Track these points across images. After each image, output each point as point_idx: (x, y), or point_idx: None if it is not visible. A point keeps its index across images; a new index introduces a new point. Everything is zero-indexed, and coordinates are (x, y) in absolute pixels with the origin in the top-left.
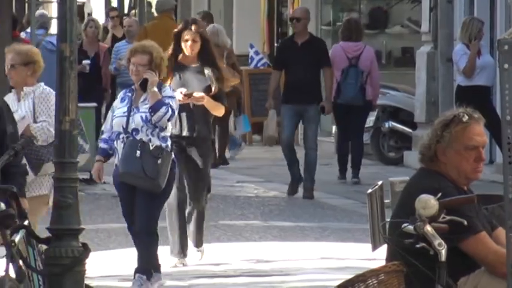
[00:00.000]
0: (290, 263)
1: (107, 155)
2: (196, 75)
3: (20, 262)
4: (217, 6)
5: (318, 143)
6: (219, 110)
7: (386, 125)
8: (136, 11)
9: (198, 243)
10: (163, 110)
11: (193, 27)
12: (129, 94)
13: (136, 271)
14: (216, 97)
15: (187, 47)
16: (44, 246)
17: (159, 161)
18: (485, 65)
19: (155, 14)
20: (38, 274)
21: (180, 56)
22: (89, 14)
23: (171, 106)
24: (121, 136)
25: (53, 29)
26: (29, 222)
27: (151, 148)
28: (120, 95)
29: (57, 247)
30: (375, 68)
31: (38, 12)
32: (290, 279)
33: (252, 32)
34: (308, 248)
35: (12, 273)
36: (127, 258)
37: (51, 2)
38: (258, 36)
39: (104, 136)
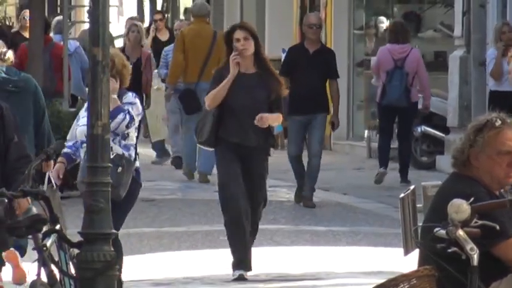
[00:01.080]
0: (321, 267)
1: (70, 159)
2: (255, 83)
3: (52, 266)
4: (249, 11)
5: (335, 149)
6: (278, 120)
7: (419, 129)
8: (169, 15)
9: None
10: (120, 116)
11: (244, 27)
12: None
13: None
14: (276, 104)
15: (245, 47)
16: (76, 251)
17: (119, 169)
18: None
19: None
20: (69, 278)
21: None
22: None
23: (129, 112)
24: (83, 145)
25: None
26: (60, 227)
27: (112, 156)
28: (86, 104)
29: (88, 251)
30: (423, 70)
31: (56, 18)
32: (321, 284)
33: (284, 37)
34: (340, 252)
35: (44, 277)
36: (159, 262)
37: (84, 6)
38: (290, 41)
39: (69, 143)
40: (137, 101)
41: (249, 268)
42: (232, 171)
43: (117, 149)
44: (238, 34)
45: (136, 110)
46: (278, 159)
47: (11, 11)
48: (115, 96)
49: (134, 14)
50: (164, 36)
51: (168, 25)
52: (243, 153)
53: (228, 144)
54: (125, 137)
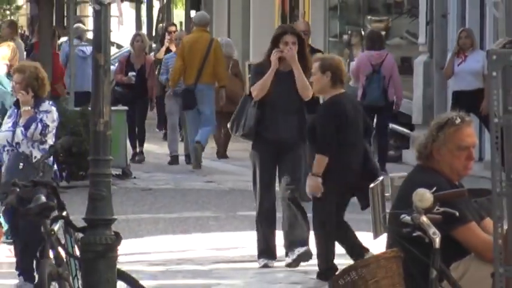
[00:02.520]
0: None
1: None
2: (293, 81)
3: (59, 248)
4: (236, 20)
5: None
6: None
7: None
8: (163, 24)
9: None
10: (33, 126)
11: (293, 31)
12: (16, 110)
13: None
14: (310, 101)
15: (287, 49)
16: (80, 234)
17: (41, 174)
18: (465, 70)
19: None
20: (74, 259)
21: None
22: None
23: (41, 121)
24: (6, 149)
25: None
26: (67, 213)
27: (33, 161)
28: (9, 111)
29: (91, 235)
30: (396, 73)
31: (76, 25)
32: (302, 264)
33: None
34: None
35: (51, 259)
36: (155, 245)
37: (88, 16)
38: None
39: None
40: (53, 109)
41: (273, 257)
42: (271, 175)
43: (36, 153)
44: (288, 38)
45: (51, 117)
46: None
47: (23, 20)
48: (27, 107)
49: (133, 24)
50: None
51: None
52: (278, 146)
53: (266, 139)
54: (43, 142)
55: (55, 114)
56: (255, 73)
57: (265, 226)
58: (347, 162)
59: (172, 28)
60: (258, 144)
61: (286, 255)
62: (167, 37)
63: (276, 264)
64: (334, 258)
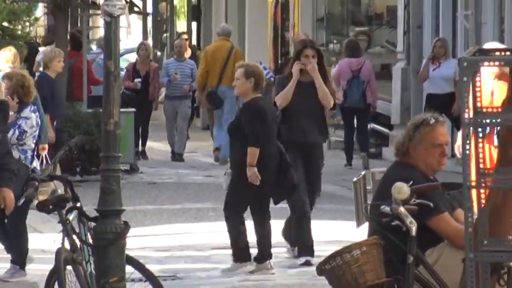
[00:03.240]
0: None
1: None
2: (313, 90)
3: (74, 236)
4: (232, 29)
5: None
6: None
7: (369, 126)
8: (167, 34)
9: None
10: (11, 131)
11: (313, 45)
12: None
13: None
14: (332, 108)
15: (307, 62)
16: (93, 224)
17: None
18: (439, 75)
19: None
20: (87, 246)
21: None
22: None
23: (19, 127)
24: None
25: None
26: (80, 204)
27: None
28: None
29: (103, 224)
30: (373, 78)
31: (99, 36)
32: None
33: (261, 52)
34: None
35: (67, 245)
36: (160, 233)
37: (99, 27)
38: (265, 55)
39: None
40: (33, 115)
41: (312, 254)
42: (299, 175)
43: (16, 153)
44: (308, 52)
45: (30, 123)
46: None
47: (41, 31)
48: (11, 113)
49: (140, 34)
50: (187, 54)
51: (190, 44)
52: (302, 149)
53: (291, 143)
54: (22, 144)
55: (35, 120)
56: (279, 84)
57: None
58: (266, 157)
59: (184, 37)
60: (287, 148)
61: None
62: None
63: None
64: (247, 240)
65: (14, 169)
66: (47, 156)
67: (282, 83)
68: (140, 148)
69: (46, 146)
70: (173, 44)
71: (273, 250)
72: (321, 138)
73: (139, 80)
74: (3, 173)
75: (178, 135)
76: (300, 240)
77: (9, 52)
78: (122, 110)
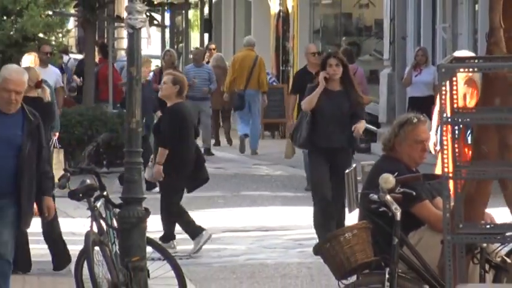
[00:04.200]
0: (290, 221)
1: None
2: (340, 98)
3: (101, 221)
4: (239, 39)
5: None
6: (363, 126)
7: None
8: (183, 44)
9: None
10: None
11: (337, 56)
12: None
13: None
14: (357, 113)
15: (335, 72)
16: (117, 210)
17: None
18: (420, 81)
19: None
20: (113, 230)
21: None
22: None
23: None
24: None
25: None
26: (107, 193)
27: None
28: None
29: (126, 210)
30: (365, 83)
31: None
32: (290, 233)
33: (264, 59)
34: (303, 211)
35: (95, 229)
36: None
37: (123, 38)
38: (268, 62)
39: None
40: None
41: None
42: (322, 174)
43: None
44: (332, 61)
45: None
46: (260, 146)
47: (72, 41)
48: None
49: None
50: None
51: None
52: (330, 154)
53: (320, 148)
54: None
55: None
56: (308, 91)
57: (320, 217)
58: (183, 156)
59: (212, 46)
60: (313, 152)
61: None
62: (207, 54)
63: (272, 233)
64: (174, 229)
65: (53, 177)
66: (57, 141)
67: (311, 90)
68: None
69: (57, 133)
70: (188, 52)
71: (276, 232)
72: (346, 145)
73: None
74: (46, 181)
75: (204, 130)
76: (318, 236)
77: (33, 56)
78: None
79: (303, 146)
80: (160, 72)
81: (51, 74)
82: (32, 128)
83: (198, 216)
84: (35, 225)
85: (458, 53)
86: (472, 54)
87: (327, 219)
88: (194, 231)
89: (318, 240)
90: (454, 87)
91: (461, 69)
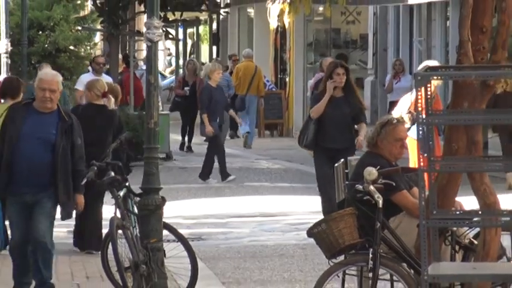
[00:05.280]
0: (287, 208)
1: None
2: (342, 103)
3: (123, 208)
4: (244, 39)
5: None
6: (365, 132)
7: None
8: (194, 55)
9: None
10: None
11: (343, 66)
12: None
13: None
14: (358, 117)
15: (341, 80)
16: (138, 198)
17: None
18: (400, 87)
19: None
20: (134, 215)
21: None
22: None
23: None
24: None
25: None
26: (129, 184)
27: None
28: None
29: (145, 199)
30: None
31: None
32: (287, 218)
33: (264, 68)
34: (298, 199)
35: (118, 215)
36: (188, 206)
37: (142, 50)
38: (268, 71)
39: None
40: None
41: None
42: (325, 172)
43: None
44: (339, 70)
45: None
46: (261, 143)
47: (98, 53)
48: None
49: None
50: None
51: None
52: (334, 154)
53: (324, 148)
54: None
55: None
56: (314, 99)
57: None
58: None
59: (236, 57)
60: (318, 152)
61: None
62: (231, 64)
63: (271, 218)
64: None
65: (85, 175)
66: None
67: (318, 98)
68: (187, 144)
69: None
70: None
71: (275, 218)
72: (348, 145)
73: (188, 88)
74: (78, 180)
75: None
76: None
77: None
78: (160, 112)
79: (308, 147)
80: (184, 79)
81: None
82: (65, 127)
83: (208, 204)
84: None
85: (426, 62)
86: (438, 63)
87: (333, 209)
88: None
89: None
90: (429, 92)
91: (435, 77)
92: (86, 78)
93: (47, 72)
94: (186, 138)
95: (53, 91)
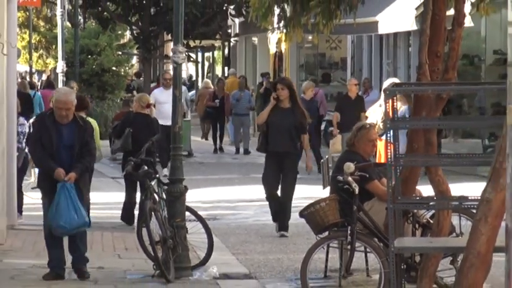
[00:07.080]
0: None
1: None
2: (288, 114)
3: (154, 194)
4: (249, 71)
5: None
6: (307, 145)
7: (329, 128)
8: (210, 74)
9: (283, 228)
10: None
11: (282, 82)
12: None
13: None
14: (301, 128)
15: (280, 94)
16: (166, 187)
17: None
18: (369, 100)
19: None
20: (163, 200)
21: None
22: (191, 76)
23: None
24: None
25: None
26: (159, 176)
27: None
28: None
29: (172, 187)
30: (324, 101)
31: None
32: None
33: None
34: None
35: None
36: (205, 193)
37: (169, 69)
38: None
39: None
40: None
41: (286, 230)
42: (271, 171)
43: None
44: (279, 86)
45: (25, 128)
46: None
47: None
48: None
49: (193, 74)
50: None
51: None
52: (281, 157)
53: (271, 151)
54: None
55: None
56: (262, 109)
57: (273, 207)
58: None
59: (270, 78)
60: (267, 155)
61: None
62: (266, 82)
63: None
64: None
65: (88, 165)
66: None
67: (263, 108)
68: (218, 145)
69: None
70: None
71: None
72: (292, 150)
73: (218, 100)
74: (78, 164)
75: (245, 137)
76: (273, 219)
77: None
78: (184, 119)
79: (260, 150)
80: (214, 93)
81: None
82: (81, 131)
83: (221, 191)
84: (118, 197)
85: (391, 80)
86: (398, 80)
87: (273, 201)
88: None
89: (275, 211)
90: (395, 104)
91: (400, 92)
92: (156, 93)
93: (61, 94)
94: (218, 141)
95: (68, 109)
